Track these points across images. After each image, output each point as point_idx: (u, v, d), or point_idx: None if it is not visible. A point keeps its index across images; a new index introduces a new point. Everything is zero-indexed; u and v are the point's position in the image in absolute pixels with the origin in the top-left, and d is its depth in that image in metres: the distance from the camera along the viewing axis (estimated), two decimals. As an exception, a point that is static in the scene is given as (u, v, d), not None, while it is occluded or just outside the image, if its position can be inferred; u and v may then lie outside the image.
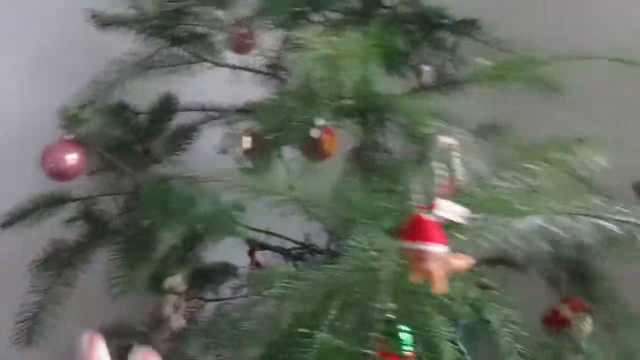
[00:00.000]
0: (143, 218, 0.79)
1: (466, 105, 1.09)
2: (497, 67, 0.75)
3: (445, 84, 1.06)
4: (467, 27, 1.06)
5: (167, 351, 1.13)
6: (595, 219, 0.44)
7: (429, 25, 1.07)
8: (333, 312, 0.55)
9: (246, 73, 1.09)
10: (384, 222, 0.48)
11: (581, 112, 1.26)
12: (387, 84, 1.11)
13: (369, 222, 0.49)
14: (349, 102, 0.89)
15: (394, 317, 0.56)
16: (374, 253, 0.47)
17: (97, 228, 0.98)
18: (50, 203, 1.00)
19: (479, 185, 0.48)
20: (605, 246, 0.46)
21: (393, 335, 0.54)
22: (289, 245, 1.21)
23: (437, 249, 0.41)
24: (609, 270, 1.01)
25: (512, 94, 0.97)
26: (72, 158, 0.91)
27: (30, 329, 0.94)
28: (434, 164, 0.39)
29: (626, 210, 0.44)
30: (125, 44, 1.03)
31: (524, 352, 0.70)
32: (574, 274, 1.05)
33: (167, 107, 1.37)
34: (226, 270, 1.31)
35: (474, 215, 0.46)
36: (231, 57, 1.07)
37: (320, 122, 0.95)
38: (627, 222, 0.43)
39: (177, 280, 0.98)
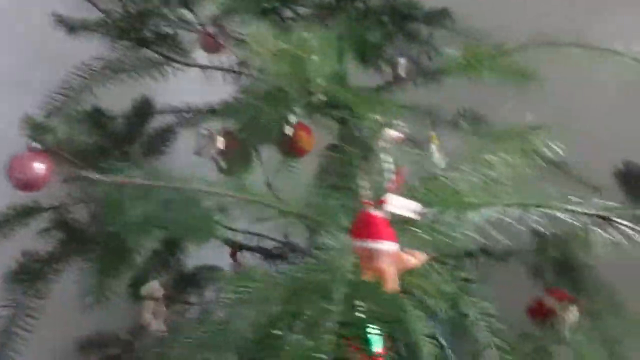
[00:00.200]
0: (110, 226, 0.77)
1: (446, 96, 1.08)
2: (467, 57, 0.74)
3: (419, 75, 1.04)
4: (438, 17, 1.05)
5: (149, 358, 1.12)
6: (547, 210, 0.43)
7: (402, 17, 1.05)
8: (300, 313, 0.54)
9: (219, 72, 1.07)
10: (340, 220, 0.46)
11: (559, 101, 1.25)
12: (363, 79, 1.10)
13: (327, 221, 0.47)
14: (321, 97, 0.87)
15: (363, 316, 0.54)
16: (332, 252, 0.46)
17: (71, 237, 0.96)
18: (22, 213, 0.98)
19: (434, 178, 0.47)
20: (559, 237, 0.45)
21: (361, 335, 0.53)
22: (271, 244, 1.19)
23: (385, 246, 0.39)
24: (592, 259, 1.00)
25: (490, 84, 0.96)
26: (39, 168, 0.89)
27: (2, 344, 0.92)
28: (383, 158, 0.37)
29: (579, 200, 0.43)
30: (91, 49, 1.00)
31: (502, 345, 0.69)
32: (557, 264, 1.04)
33: (143, 110, 1.36)
34: (210, 273, 1.30)
35: (426, 210, 0.44)
36: (202, 56, 1.05)
37: (293, 119, 0.93)
38: (582, 212, 0.42)
39: (154, 286, 0.96)
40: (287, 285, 0.49)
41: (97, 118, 1.31)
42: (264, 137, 0.92)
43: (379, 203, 0.40)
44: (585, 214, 0.42)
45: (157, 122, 1.32)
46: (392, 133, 0.37)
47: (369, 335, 0.52)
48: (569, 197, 0.43)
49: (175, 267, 1.23)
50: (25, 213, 0.98)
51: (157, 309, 0.98)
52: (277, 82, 0.70)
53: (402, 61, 1.05)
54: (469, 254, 0.93)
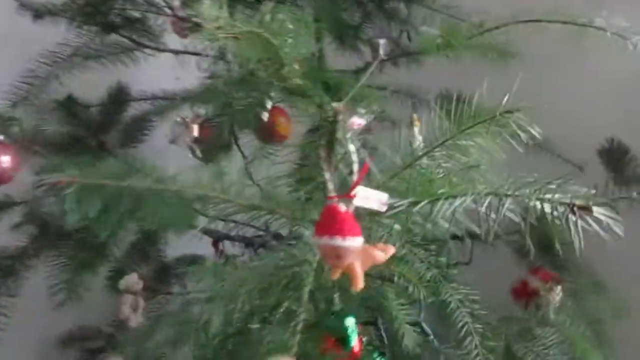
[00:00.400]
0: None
1: (430, 76, 1.06)
2: (444, 35, 0.71)
3: (400, 55, 1.02)
4: (416, -6, 1.02)
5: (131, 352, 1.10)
6: (522, 199, 0.41)
7: (380, -5, 1.02)
8: (275, 307, 0.52)
9: (194, 57, 1.03)
10: (309, 214, 0.44)
11: (544, 79, 1.23)
12: (341, 61, 1.08)
13: (296, 216, 0.45)
14: (297, 82, 0.84)
15: (339, 308, 0.53)
16: (301, 247, 0.44)
17: (43, 232, 0.93)
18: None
19: (407, 166, 0.45)
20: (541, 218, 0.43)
21: (337, 327, 0.51)
22: (253, 232, 1.17)
23: (352, 243, 0.37)
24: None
25: (471, 63, 0.93)
26: (4, 161, 0.86)
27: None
28: (350, 148, 0.34)
29: (552, 187, 0.41)
30: (57, 35, 0.96)
31: (483, 332, 0.68)
32: (540, 244, 1.03)
33: (118, 98, 1.32)
34: (193, 263, 1.28)
35: (399, 202, 0.42)
36: (174, 41, 1.01)
37: (269, 104, 0.90)
38: (559, 202, 0.40)
39: (133, 280, 0.94)
40: (257, 280, 0.47)
41: (70, 107, 1.27)
42: (240, 124, 0.89)
43: (344, 196, 0.37)
44: (563, 203, 0.40)
45: (133, 110, 1.29)
46: (357, 120, 0.35)
47: (346, 328, 0.51)
48: (547, 184, 0.41)
49: (155, 259, 1.21)
50: None
51: (136, 302, 0.95)
52: (248, 66, 0.67)
53: (381, 42, 1.02)
54: (453, 237, 0.92)
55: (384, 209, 0.39)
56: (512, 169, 0.54)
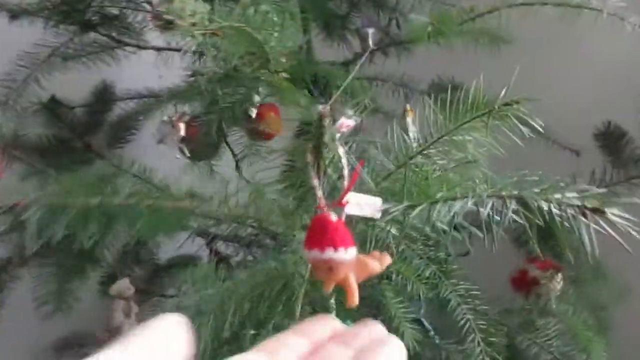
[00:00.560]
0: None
1: (421, 64, 1.03)
2: (434, 22, 0.69)
3: (389, 45, 0.99)
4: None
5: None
6: (529, 200, 0.39)
7: (368, -17, 0.99)
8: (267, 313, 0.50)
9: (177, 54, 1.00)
10: (297, 221, 0.42)
11: (537, 63, 1.21)
12: (329, 53, 1.05)
13: (284, 223, 0.43)
14: (284, 76, 0.81)
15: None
16: (291, 256, 0.42)
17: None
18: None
19: (400, 166, 0.42)
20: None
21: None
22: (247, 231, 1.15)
23: (344, 255, 0.34)
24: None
25: (463, 50, 0.91)
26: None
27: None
28: (339, 151, 0.32)
29: (561, 185, 0.39)
30: (33, 36, 0.93)
31: (485, 327, 0.66)
32: (539, 231, 1.01)
33: (103, 97, 1.29)
34: (187, 264, 1.25)
35: (394, 207, 0.39)
36: (156, 37, 0.98)
37: (257, 99, 0.87)
38: (569, 204, 0.38)
39: (124, 285, 0.91)
40: (247, 291, 0.45)
41: (54, 108, 1.24)
42: (228, 121, 0.87)
43: (335, 205, 0.34)
44: (574, 205, 0.37)
45: (118, 110, 1.26)
46: (345, 122, 0.32)
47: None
48: (555, 183, 0.38)
49: (148, 261, 1.19)
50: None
51: (128, 307, 0.93)
52: (232, 62, 0.64)
53: (370, 31, 0.99)
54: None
55: (378, 215, 0.36)
56: (507, 157, 0.52)
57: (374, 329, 0.30)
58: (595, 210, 0.37)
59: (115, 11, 0.90)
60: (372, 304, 0.80)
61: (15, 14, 0.94)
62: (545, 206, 0.39)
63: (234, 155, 1.05)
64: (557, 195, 0.38)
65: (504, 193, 0.39)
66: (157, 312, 1.09)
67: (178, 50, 0.98)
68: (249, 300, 0.45)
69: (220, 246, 1.19)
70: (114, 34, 0.90)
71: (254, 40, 0.66)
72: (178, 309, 0.56)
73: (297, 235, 0.44)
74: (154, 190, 0.45)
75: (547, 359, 0.80)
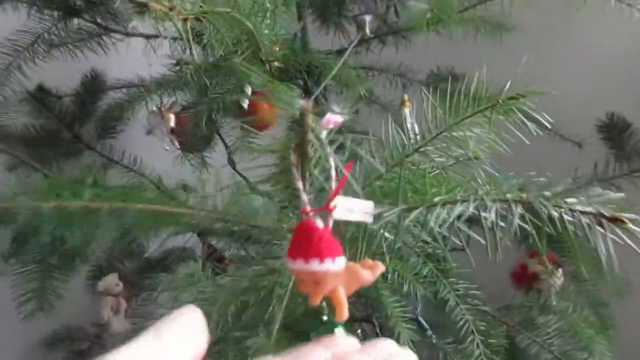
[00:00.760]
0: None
1: (419, 53, 1.00)
2: (434, 9, 0.65)
3: (387, 33, 0.95)
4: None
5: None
6: (537, 206, 0.36)
7: (365, -32, 0.95)
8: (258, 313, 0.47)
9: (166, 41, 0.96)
10: (284, 225, 0.39)
11: (538, 52, 1.17)
12: (325, 41, 1.01)
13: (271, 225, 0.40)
14: (277, 65, 0.78)
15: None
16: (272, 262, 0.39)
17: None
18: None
19: (395, 164, 0.39)
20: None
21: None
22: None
23: (331, 265, 0.31)
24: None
25: (464, 38, 0.88)
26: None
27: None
28: (325, 150, 0.29)
29: (574, 188, 0.36)
30: (15, 22, 0.89)
31: (485, 328, 0.63)
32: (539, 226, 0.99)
33: (93, 86, 1.25)
34: (182, 257, 1.23)
35: (388, 211, 0.36)
36: (145, 24, 0.94)
37: (249, 89, 0.84)
38: (583, 212, 0.35)
39: (112, 281, 0.88)
40: (230, 298, 0.42)
41: (41, 97, 1.20)
42: (219, 112, 0.83)
43: (321, 209, 0.31)
44: (589, 213, 0.34)
45: (108, 99, 1.22)
46: (332, 118, 0.29)
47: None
48: (566, 186, 0.35)
49: (138, 254, 1.16)
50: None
51: (117, 304, 0.90)
52: (222, 50, 0.60)
53: (367, 18, 0.96)
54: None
55: (369, 219, 0.33)
56: (505, 149, 0.49)
57: (389, 343, 0.33)
58: (613, 219, 0.34)
59: (99, -4, 0.86)
60: (367, 303, 0.77)
61: (-3, 0, 0.91)
62: (555, 213, 0.36)
63: (227, 147, 1.02)
64: (570, 200, 0.35)
65: (509, 197, 0.36)
66: (149, 307, 1.06)
67: (168, 37, 0.95)
68: (234, 306, 0.42)
69: (213, 239, 1.17)
70: (99, 20, 0.86)
71: (244, 27, 0.62)
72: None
73: (284, 239, 0.41)
74: (141, 192, 0.41)
75: (547, 358, 0.78)
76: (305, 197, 0.30)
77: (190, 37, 0.55)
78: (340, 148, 0.34)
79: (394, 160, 0.38)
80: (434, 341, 0.74)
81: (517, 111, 0.39)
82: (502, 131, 0.43)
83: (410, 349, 0.69)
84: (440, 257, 0.71)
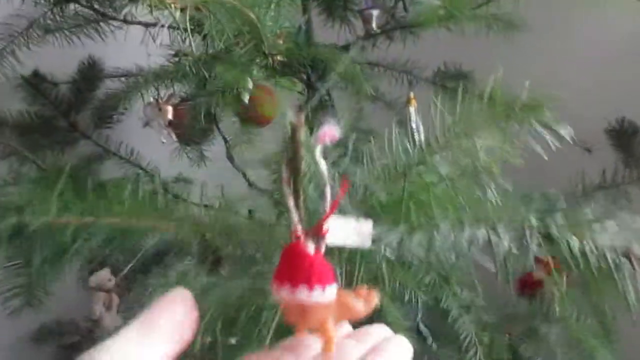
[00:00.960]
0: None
1: (427, 50, 0.97)
2: (447, 5, 0.62)
3: (395, 28, 0.92)
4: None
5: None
6: (555, 237, 0.33)
7: (373, -40, 0.92)
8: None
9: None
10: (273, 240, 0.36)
11: (548, 53, 1.14)
12: (330, 34, 0.98)
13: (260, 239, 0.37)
14: (280, 59, 0.75)
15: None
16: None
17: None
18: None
19: (398, 177, 0.35)
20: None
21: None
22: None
23: (321, 295, 0.27)
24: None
25: (475, 35, 0.85)
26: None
27: None
28: (319, 166, 0.26)
29: (597, 218, 0.33)
30: (8, 6, 0.86)
31: (489, 341, 0.61)
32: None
33: (90, 74, 1.22)
34: (178, 250, 1.20)
35: (389, 233, 0.33)
36: (144, 12, 0.91)
37: (250, 82, 0.81)
38: (609, 246, 0.32)
39: (104, 276, 0.86)
40: (219, 310, 0.40)
41: (37, 84, 1.17)
42: (218, 105, 0.80)
43: (313, 232, 0.28)
44: (617, 249, 0.31)
45: (106, 88, 1.19)
46: (328, 131, 0.26)
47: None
48: (591, 217, 0.32)
49: (132, 248, 1.13)
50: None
51: (109, 299, 0.88)
52: (222, 42, 0.57)
53: (374, 13, 0.93)
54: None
55: (367, 243, 0.30)
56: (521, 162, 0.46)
57: (382, 327, 0.33)
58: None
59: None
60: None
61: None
62: (577, 246, 0.33)
63: (226, 141, 0.99)
64: (595, 231, 0.32)
65: (525, 225, 0.33)
66: (141, 303, 1.03)
67: (171, 26, 0.91)
68: (223, 320, 0.40)
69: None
70: (96, 6, 0.83)
71: (246, 18, 0.59)
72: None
73: (274, 255, 0.38)
74: (114, 204, 0.38)
75: (550, 368, 0.76)
76: (296, 217, 0.27)
77: (189, 28, 0.52)
78: (338, 162, 0.31)
79: (397, 171, 0.35)
80: (434, 350, 0.71)
81: (535, 122, 0.37)
82: (516, 140, 0.40)
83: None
84: (444, 263, 0.69)
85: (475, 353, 0.60)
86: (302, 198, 0.26)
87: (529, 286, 0.97)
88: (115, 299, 0.89)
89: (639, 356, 0.97)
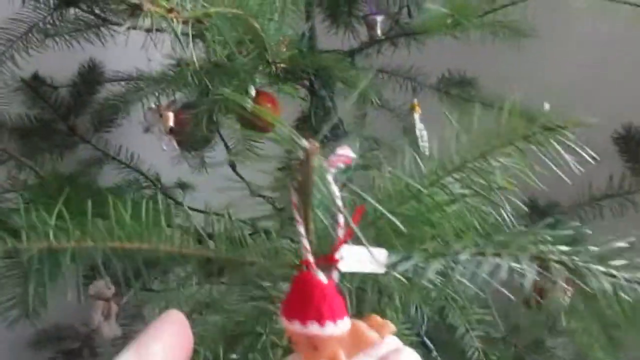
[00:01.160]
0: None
1: (431, 57, 0.96)
2: (453, 12, 0.61)
3: (399, 35, 0.91)
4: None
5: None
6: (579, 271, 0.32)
7: (378, -35, 0.91)
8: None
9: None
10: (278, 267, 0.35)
11: (554, 60, 1.13)
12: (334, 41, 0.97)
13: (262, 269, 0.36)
14: (283, 66, 0.73)
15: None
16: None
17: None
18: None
19: (411, 198, 0.34)
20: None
21: None
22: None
23: (332, 330, 0.26)
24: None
25: (480, 42, 0.83)
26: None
27: None
28: (332, 192, 0.24)
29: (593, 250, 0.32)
30: (7, 10, 0.85)
31: (494, 358, 0.59)
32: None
33: (90, 78, 1.21)
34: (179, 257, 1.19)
35: (403, 261, 0.32)
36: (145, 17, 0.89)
37: (253, 89, 0.80)
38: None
39: (102, 285, 0.84)
40: (221, 333, 0.39)
41: (36, 87, 1.16)
42: (221, 112, 0.79)
43: (325, 261, 0.26)
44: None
45: (106, 92, 1.18)
46: (341, 156, 0.25)
47: None
48: (628, 253, 0.31)
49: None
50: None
51: (108, 308, 0.87)
52: (224, 51, 0.56)
53: (379, 19, 0.91)
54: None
55: (382, 271, 0.29)
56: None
57: (392, 339, 0.32)
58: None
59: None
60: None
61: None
62: (608, 285, 0.32)
63: (228, 149, 0.98)
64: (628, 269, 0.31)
65: (551, 257, 0.32)
66: (141, 308, 1.01)
67: (170, 32, 0.90)
68: (224, 340, 0.38)
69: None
70: (96, 11, 0.82)
71: (249, 27, 0.58)
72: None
73: (281, 281, 0.37)
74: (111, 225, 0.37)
75: (557, 382, 0.75)
76: (307, 244, 0.25)
77: (191, 40, 0.51)
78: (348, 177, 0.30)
79: (410, 192, 0.34)
80: (439, 364, 0.70)
81: (554, 143, 0.35)
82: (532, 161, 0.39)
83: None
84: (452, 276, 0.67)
85: (482, 369, 0.59)
86: (311, 224, 0.25)
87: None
88: (114, 308, 0.88)
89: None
